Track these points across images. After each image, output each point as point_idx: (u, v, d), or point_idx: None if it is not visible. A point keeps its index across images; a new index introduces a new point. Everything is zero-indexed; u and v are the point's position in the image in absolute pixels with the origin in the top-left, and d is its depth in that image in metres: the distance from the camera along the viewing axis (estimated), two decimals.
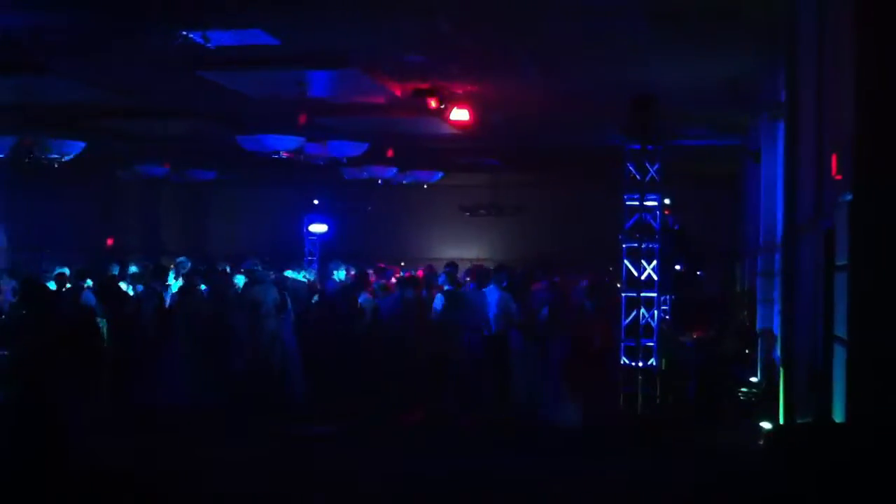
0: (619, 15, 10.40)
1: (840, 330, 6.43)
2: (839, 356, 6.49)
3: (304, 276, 17.55)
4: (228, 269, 16.98)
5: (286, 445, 10.80)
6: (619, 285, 13.66)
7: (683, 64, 12.71)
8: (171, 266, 16.09)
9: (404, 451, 10.71)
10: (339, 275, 17.41)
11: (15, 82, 13.48)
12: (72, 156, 17.05)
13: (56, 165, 17.30)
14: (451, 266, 16.35)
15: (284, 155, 17.85)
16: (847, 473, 5.35)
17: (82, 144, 17.05)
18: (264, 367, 13.38)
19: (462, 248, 26.40)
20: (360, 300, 14.96)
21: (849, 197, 6.01)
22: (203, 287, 14.63)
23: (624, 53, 12.05)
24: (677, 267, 17.53)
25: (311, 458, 10.41)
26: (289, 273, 16.93)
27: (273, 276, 15.26)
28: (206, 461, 10.01)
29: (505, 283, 13.60)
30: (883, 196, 5.73)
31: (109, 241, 25.49)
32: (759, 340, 14.59)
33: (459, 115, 14.47)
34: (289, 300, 14.19)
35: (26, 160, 16.77)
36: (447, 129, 16.63)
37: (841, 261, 6.40)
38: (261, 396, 12.72)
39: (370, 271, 18.47)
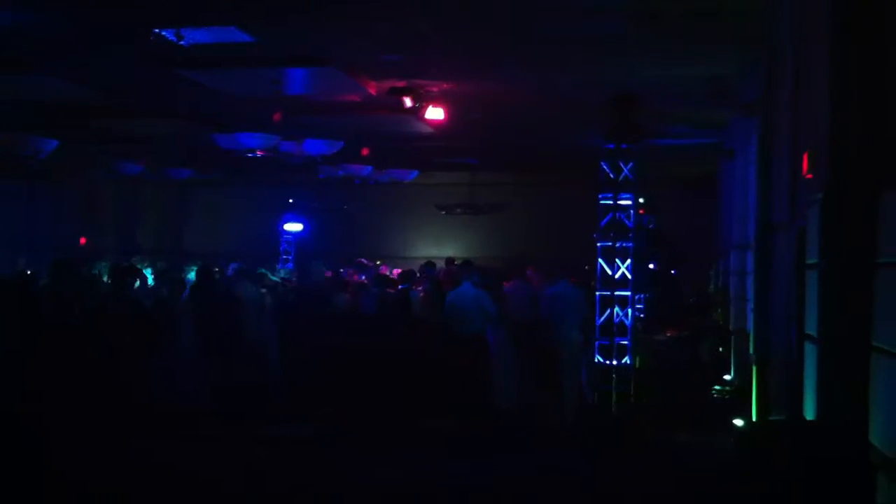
0: (600, 14, 10.42)
1: (811, 328, 6.47)
2: (810, 354, 6.53)
3: (281, 275, 17.55)
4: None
5: (260, 447, 10.70)
6: (592, 283, 13.67)
7: (662, 63, 12.74)
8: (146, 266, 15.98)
9: (380, 454, 10.62)
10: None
11: None
12: (46, 153, 16.97)
13: (30, 163, 17.22)
14: (430, 265, 16.36)
15: (260, 153, 17.81)
16: (817, 470, 5.38)
17: (56, 142, 16.98)
18: (245, 365, 13.24)
19: (438, 247, 26.38)
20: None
21: (820, 196, 6.04)
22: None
23: (603, 53, 12.06)
24: (651, 266, 17.61)
25: (285, 460, 10.30)
26: (263, 271, 16.89)
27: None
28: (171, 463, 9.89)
29: (477, 280, 13.49)
30: (853, 195, 5.77)
31: (82, 241, 25.35)
32: (733, 339, 14.68)
33: (434, 114, 14.46)
34: (269, 298, 14.14)
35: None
36: (423, 128, 16.62)
37: (812, 259, 6.44)
38: (241, 397, 12.57)
39: (347, 270, 18.44)
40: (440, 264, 17.99)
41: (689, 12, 10.24)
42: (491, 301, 12.59)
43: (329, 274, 17.96)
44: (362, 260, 21.32)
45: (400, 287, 14.77)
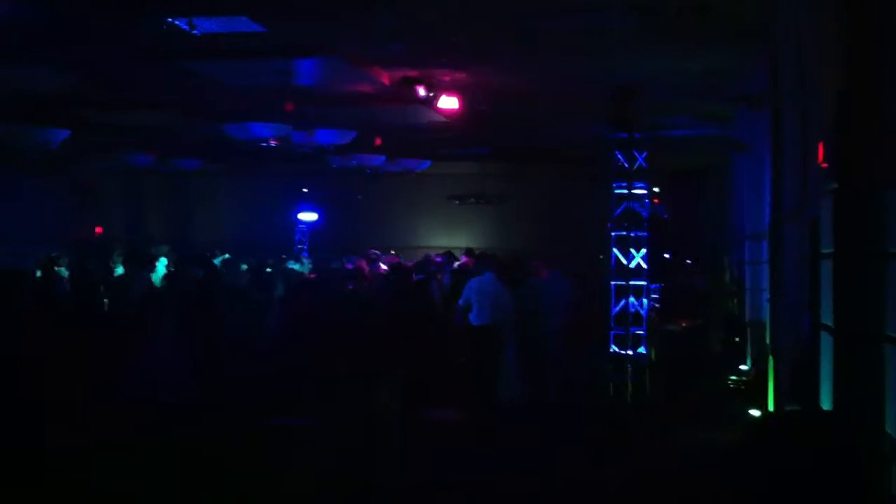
0: (603, 7, 10.40)
1: (826, 318, 6.43)
2: (825, 344, 6.50)
3: (302, 266, 17.58)
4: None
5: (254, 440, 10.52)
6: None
7: (667, 55, 12.69)
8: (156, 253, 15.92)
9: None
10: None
11: None
12: (56, 144, 16.96)
13: (38, 155, 17.21)
14: (448, 255, 16.37)
15: (273, 143, 17.81)
16: (832, 459, 5.36)
17: (66, 133, 16.95)
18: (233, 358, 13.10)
19: (451, 237, 26.35)
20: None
21: (834, 185, 6.01)
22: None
23: (608, 45, 12.02)
24: (666, 255, 17.54)
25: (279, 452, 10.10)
26: (290, 264, 16.96)
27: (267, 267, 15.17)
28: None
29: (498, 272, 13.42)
30: (867, 184, 5.73)
31: (98, 230, 25.35)
32: (749, 329, 14.64)
33: (448, 103, 14.40)
34: (280, 287, 14.08)
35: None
36: (435, 118, 16.58)
37: (826, 249, 6.40)
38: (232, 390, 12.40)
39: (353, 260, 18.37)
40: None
41: (690, 3, 10.19)
42: (510, 298, 12.60)
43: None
44: (375, 251, 21.23)
45: (416, 278, 14.74)
